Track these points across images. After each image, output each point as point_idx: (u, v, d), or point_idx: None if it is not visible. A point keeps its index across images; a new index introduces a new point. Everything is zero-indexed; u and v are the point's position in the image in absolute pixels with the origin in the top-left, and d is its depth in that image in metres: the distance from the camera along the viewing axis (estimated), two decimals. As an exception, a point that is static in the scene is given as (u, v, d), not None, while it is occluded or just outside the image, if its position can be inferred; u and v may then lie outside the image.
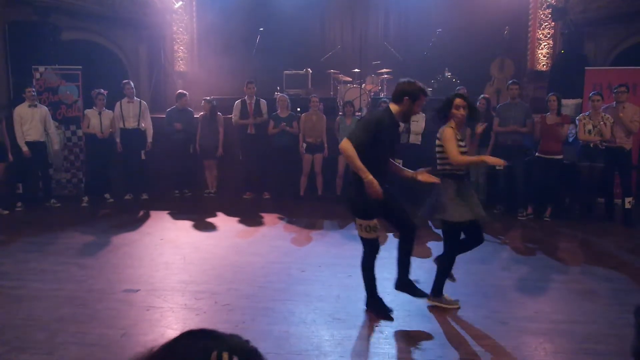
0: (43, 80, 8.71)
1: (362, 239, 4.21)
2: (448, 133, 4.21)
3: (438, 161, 4.38)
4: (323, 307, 4.40)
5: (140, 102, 8.65)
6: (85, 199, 8.35)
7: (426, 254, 5.73)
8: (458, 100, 4.27)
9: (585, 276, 5.22)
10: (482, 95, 8.03)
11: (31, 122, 7.90)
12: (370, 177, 3.85)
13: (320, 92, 9.82)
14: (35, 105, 8.00)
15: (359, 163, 3.87)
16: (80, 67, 8.92)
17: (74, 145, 8.91)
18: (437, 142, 4.33)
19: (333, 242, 5.18)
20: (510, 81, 7.82)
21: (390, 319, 4.18)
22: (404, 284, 4.32)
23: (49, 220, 7.36)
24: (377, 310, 4.26)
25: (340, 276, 5.08)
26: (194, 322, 4.08)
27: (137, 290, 4.72)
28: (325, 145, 8.43)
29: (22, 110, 7.91)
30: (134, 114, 8.51)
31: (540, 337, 3.89)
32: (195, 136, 8.77)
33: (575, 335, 3.91)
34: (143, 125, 8.57)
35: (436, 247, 6.06)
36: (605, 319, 4.19)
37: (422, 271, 5.18)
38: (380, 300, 4.30)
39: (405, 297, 4.57)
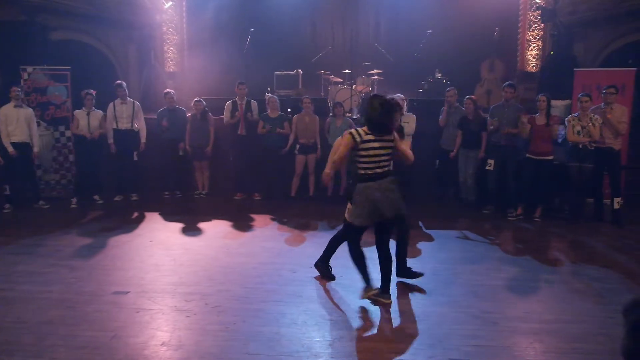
0: (31, 81, 8.62)
1: (344, 220, 4.73)
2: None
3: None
4: (314, 308, 4.40)
5: (133, 102, 8.60)
6: (75, 200, 8.28)
7: (418, 254, 5.76)
8: None
9: (574, 276, 5.25)
10: (467, 97, 8.04)
11: (17, 122, 7.82)
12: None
13: (311, 93, 9.80)
14: (21, 106, 7.92)
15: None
16: (69, 67, 8.83)
17: (62, 146, 8.83)
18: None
19: (324, 242, 5.16)
20: (507, 83, 7.80)
21: (332, 279, 4.99)
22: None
23: (37, 222, 7.29)
24: (322, 273, 5.08)
25: (331, 277, 5.07)
26: (184, 324, 4.06)
27: (127, 293, 4.69)
28: (319, 146, 8.43)
29: (7, 111, 7.83)
30: (127, 114, 8.46)
31: (531, 336, 3.91)
32: (185, 136, 8.74)
33: (565, 335, 3.93)
34: (136, 125, 8.53)
35: (428, 248, 6.08)
36: (595, 318, 4.23)
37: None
38: (329, 267, 5.10)
39: (396, 299, 4.58)
